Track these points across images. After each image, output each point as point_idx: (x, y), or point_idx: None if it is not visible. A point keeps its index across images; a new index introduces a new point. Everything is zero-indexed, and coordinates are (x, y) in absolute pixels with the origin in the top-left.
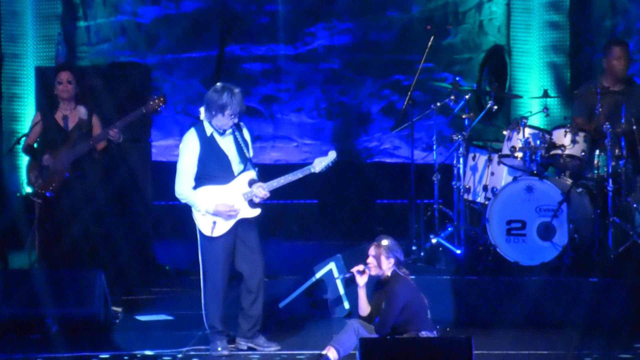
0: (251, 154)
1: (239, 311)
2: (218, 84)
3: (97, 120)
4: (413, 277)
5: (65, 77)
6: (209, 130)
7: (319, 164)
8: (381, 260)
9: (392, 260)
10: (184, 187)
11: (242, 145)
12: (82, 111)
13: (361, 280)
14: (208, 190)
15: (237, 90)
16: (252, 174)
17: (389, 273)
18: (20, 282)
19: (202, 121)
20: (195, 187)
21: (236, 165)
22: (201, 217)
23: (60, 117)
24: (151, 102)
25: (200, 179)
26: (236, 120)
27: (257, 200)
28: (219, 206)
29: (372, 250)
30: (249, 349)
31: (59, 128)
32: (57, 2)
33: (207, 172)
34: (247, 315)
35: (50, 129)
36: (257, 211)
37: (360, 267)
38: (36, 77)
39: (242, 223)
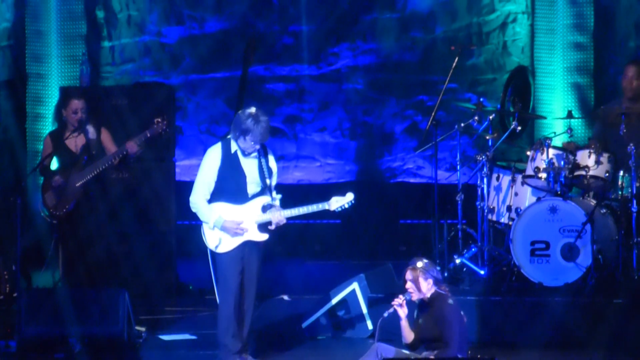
0: (274, 181)
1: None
2: (250, 108)
3: (108, 135)
4: None
5: (80, 106)
6: (234, 147)
7: (335, 203)
8: (419, 282)
9: (430, 281)
10: (198, 197)
11: (265, 170)
12: (90, 131)
13: (402, 313)
14: (221, 206)
15: (263, 118)
16: (266, 199)
17: (429, 295)
18: (44, 301)
19: (230, 138)
20: (210, 201)
21: (252, 187)
22: (209, 231)
23: (70, 139)
24: (154, 125)
25: (215, 194)
26: (258, 147)
27: (272, 227)
28: (227, 222)
29: (408, 275)
30: None
31: (69, 151)
32: (82, 22)
33: (222, 187)
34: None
35: (60, 153)
36: (264, 236)
37: (400, 298)
38: (60, 97)
39: (249, 244)
